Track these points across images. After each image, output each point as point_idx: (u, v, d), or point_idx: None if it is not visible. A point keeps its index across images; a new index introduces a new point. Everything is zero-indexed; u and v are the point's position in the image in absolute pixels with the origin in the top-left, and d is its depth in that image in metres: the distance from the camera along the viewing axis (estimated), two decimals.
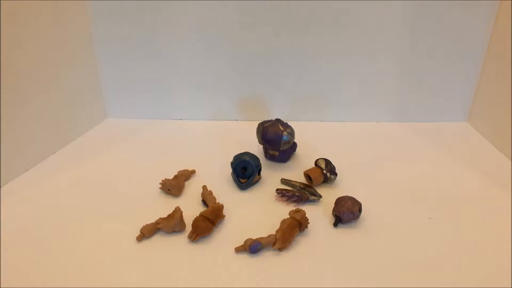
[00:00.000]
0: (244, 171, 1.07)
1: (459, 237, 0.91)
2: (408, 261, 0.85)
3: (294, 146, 1.22)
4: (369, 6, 1.29)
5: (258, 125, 1.19)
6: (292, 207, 1.00)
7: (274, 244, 0.86)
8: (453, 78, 1.40)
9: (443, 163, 1.21)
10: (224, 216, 0.96)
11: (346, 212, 0.92)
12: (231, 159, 1.09)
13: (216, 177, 1.13)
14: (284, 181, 1.10)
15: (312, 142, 1.31)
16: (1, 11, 0.99)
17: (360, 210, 0.95)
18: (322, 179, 1.08)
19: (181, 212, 0.91)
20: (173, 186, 1.04)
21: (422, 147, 1.30)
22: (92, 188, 1.07)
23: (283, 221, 0.90)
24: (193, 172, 1.14)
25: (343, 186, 1.10)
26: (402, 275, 0.81)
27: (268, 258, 0.85)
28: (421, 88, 1.42)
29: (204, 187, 1.04)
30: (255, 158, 1.07)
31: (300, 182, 1.09)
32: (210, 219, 0.91)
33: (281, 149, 1.15)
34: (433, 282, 0.79)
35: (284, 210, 0.98)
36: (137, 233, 0.90)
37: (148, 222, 0.91)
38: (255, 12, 1.30)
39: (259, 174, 1.10)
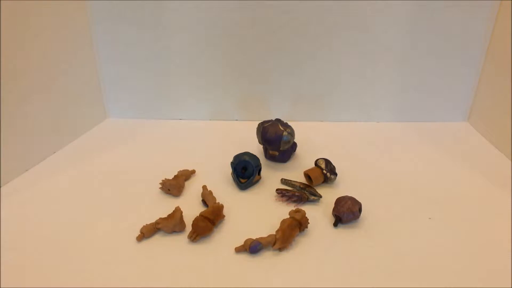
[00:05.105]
0: (244, 171, 1.07)
1: (459, 237, 0.91)
2: (408, 261, 0.85)
3: (294, 146, 1.22)
4: (369, 6, 1.29)
5: (258, 125, 1.19)
6: (292, 207, 1.00)
7: (274, 244, 0.86)
8: (453, 78, 1.40)
9: (443, 163, 1.21)
10: (224, 216, 0.96)
11: (346, 212, 0.92)
12: (231, 159, 1.09)
13: (216, 177, 1.13)
14: (284, 181, 1.10)
15: (312, 142, 1.31)
16: (1, 11, 0.99)
17: (360, 210, 0.95)
18: (322, 179, 1.08)
19: (181, 212, 0.91)
20: (173, 186, 1.04)
21: (422, 147, 1.30)
22: (92, 188, 1.07)
23: (283, 221, 0.90)
24: (193, 172, 1.14)
25: (343, 186, 1.10)
26: (402, 275, 0.81)
27: (268, 258, 0.85)
28: (421, 88, 1.42)
29: (204, 187, 1.04)
30: (255, 158, 1.07)
31: (300, 182, 1.09)
32: (210, 219, 0.91)
33: (281, 149, 1.15)
34: (433, 282, 0.79)
35: (284, 210, 0.98)
36: (137, 233, 0.90)
37: (148, 222, 0.91)
38: (255, 12, 1.30)
39: (259, 174, 1.10)
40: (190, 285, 0.78)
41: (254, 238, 0.86)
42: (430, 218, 0.97)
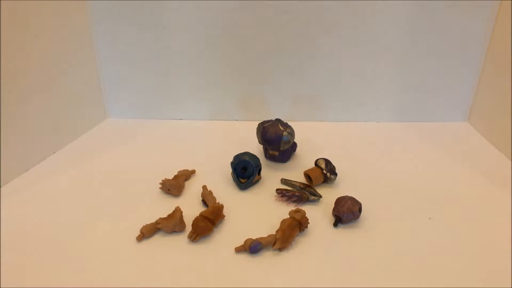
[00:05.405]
0: (244, 171, 1.07)
1: (459, 237, 0.91)
2: (408, 261, 0.85)
3: (294, 146, 1.22)
4: (369, 6, 1.29)
5: (258, 125, 1.19)
6: (292, 207, 1.00)
7: (274, 244, 0.86)
8: (453, 78, 1.40)
9: (443, 163, 1.21)
10: (224, 216, 0.96)
11: (346, 212, 0.92)
12: (231, 159, 1.09)
13: (216, 177, 1.13)
14: (284, 181, 1.10)
15: (312, 142, 1.31)
16: (1, 11, 0.99)
17: (360, 210, 0.95)
18: (322, 179, 1.08)
19: (181, 212, 0.91)
20: (173, 186, 1.04)
21: (422, 147, 1.30)
22: (92, 188, 1.07)
23: (283, 221, 0.90)
24: (193, 172, 1.14)
25: (343, 186, 1.09)
26: (402, 275, 0.81)
27: (268, 258, 0.85)
28: (421, 88, 1.42)
29: (204, 187, 1.04)
30: (255, 158, 1.07)
31: (300, 182, 1.09)
32: (210, 219, 0.91)
33: (281, 149, 1.15)
34: (433, 282, 0.79)
35: (284, 210, 0.98)
36: (137, 233, 0.90)
37: (148, 222, 0.91)
38: (255, 12, 1.30)
39: (259, 174, 1.10)
40: (190, 285, 0.78)
41: (254, 238, 0.86)
42: (430, 218, 0.97)
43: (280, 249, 0.86)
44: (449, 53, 1.36)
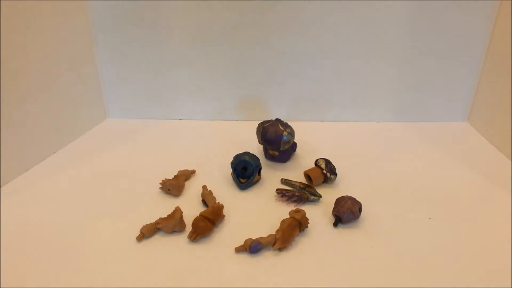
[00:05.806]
0: (244, 171, 1.07)
1: (459, 237, 0.91)
2: (408, 261, 0.85)
3: (294, 146, 1.22)
4: (369, 6, 1.29)
5: (258, 125, 1.19)
6: (292, 207, 1.00)
7: (274, 244, 0.86)
8: (453, 78, 1.40)
9: (443, 163, 1.21)
10: (224, 216, 0.96)
11: (346, 212, 0.92)
12: (231, 159, 1.09)
13: (216, 177, 1.13)
14: (284, 181, 1.10)
15: (312, 142, 1.31)
16: (1, 11, 1.00)
17: (360, 210, 0.95)
18: (322, 179, 1.08)
19: (181, 212, 0.91)
20: (173, 186, 1.04)
21: (422, 147, 1.30)
22: (92, 188, 1.07)
23: (283, 221, 0.90)
24: (193, 172, 1.14)
25: (343, 186, 1.09)
26: (402, 275, 0.81)
27: (268, 258, 0.85)
28: (421, 88, 1.42)
29: (204, 187, 1.04)
30: (255, 158, 1.07)
31: (300, 182, 1.09)
32: (210, 219, 0.91)
33: (281, 149, 1.15)
34: (433, 282, 0.79)
35: (284, 210, 0.98)
36: (137, 233, 0.90)
37: (148, 222, 0.91)
38: (255, 12, 1.30)
39: (259, 174, 1.10)
40: (190, 285, 0.78)
41: (254, 238, 0.86)
42: (430, 218, 0.97)
43: (280, 249, 0.86)
44: (449, 53, 1.36)
